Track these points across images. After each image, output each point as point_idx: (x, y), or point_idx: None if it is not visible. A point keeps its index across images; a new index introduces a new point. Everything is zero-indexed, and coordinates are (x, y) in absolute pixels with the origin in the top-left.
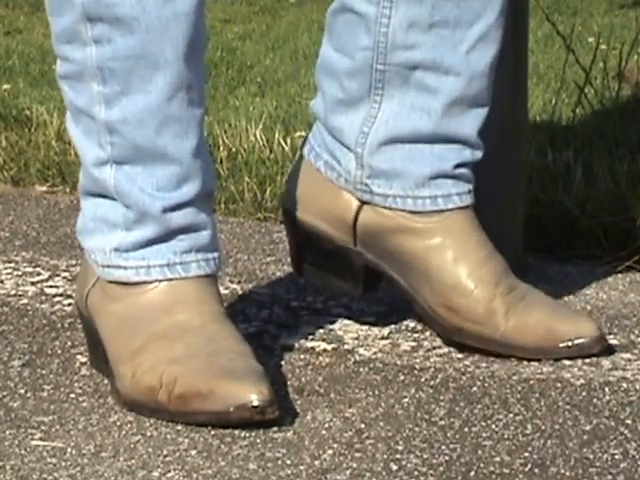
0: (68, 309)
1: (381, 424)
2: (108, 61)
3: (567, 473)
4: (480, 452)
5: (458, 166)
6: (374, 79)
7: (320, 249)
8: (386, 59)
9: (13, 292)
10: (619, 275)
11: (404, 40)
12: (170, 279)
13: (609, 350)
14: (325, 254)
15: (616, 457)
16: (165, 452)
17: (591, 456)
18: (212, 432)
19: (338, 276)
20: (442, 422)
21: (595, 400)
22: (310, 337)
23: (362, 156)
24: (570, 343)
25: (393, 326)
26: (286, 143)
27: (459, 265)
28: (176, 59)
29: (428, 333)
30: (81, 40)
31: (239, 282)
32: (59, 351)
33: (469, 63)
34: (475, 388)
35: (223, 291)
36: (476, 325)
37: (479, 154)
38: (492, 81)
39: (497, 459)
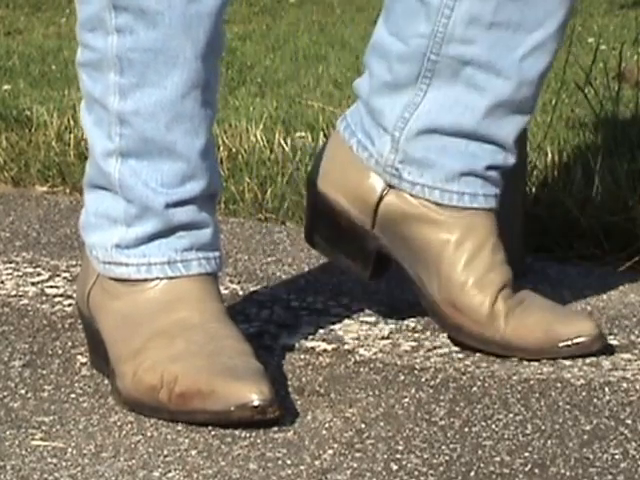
0: (68, 309)
1: (381, 424)
2: (128, 51)
3: (567, 473)
4: (480, 452)
5: (489, 168)
6: (424, 68)
7: (336, 226)
8: (440, 50)
9: (14, 292)
10: (619, 275)
11: (462, 34)
12: (171, 277)
13: (609, 349)
14: (340, 231)
15: (616, 457)
16: (165, 452)
17: (591, 456)
18: (212, 432)
19: (349, 256)
20: (442, 422)
21: (595, 400)
22: (310, 337)
23: (399, 140)
24: (569, 342)
25: (393, 326)
26: (286, 143)
27: (471, 265)
28: (195, 58)
29: (428, 333)
30: (104, 28)
31: (239, 282)
32: (60, 351)
33: (521, 69)
34: (475, 388)
35: (223, 291)
36: (477, 326)
37: (512, 160)
38: (540, 90)
39: (497, 459)
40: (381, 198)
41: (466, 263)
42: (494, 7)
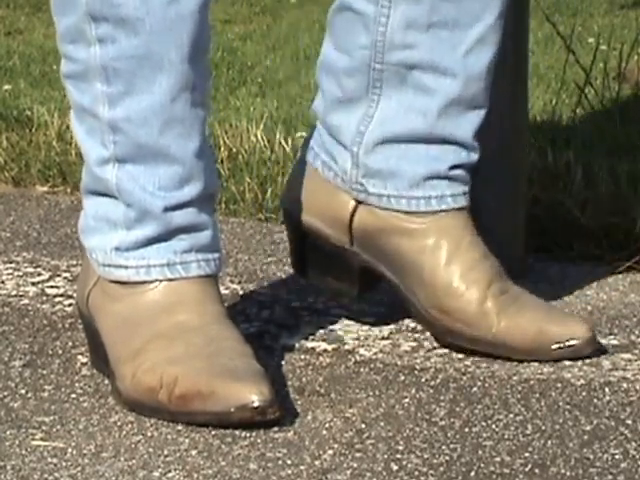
0: (69, 309)
1: (381, 424)
2: (112, 61)
3: (567, 473)
4: (480, 452)
5: (453, 167)
6: (372, 78)
7: (318, 249)
8: (384, 58)
9: (14, 292)
10: (619, 275)
11: (402, 40)
12: (170, 279)
13: (609, 349)
14: (323, 254)
15: (616, 457)
16: (166, 452)
17: (591, 456)
18: (213, 432)
19: (335, 277)
20: (442, 422)
21: (595, 400)
22: (311, 337)
23: (358, 155)
24: (562, 345)
25: (393, 326)
26: (287, 144)
27: (451, 266)
28: (180, 60)
29: (428, 333)
30: (85, 39)
31: (240, 282)
32: (60, 351)
33: (466, 65)
34: (475, 388)
35: (223, 291)
36: (468, 326)
37: (475, 156)
38: (490, 83)
39: (497, 459)
40: (353, 215)
41: (445, 266)
42: (429, 9)
